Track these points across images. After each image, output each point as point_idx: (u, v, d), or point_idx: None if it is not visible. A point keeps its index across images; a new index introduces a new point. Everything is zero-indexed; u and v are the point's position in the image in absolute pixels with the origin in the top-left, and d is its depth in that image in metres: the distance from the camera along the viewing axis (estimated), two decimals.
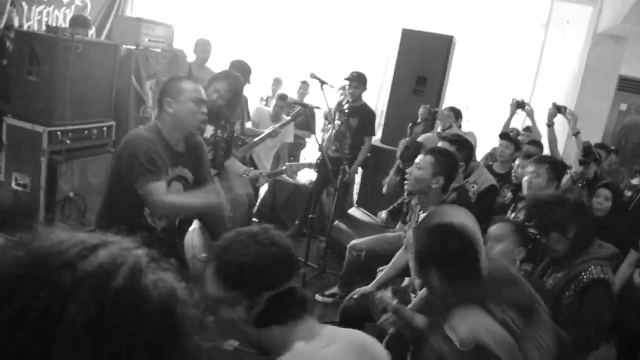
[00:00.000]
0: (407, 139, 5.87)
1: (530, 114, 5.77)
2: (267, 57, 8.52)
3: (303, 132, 6.62)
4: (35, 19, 6.15)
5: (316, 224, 6.10)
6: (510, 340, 1.83)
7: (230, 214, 3.08)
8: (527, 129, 6.23)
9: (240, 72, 4.81)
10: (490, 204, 4.40)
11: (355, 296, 3.71)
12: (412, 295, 3.16)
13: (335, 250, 5.56)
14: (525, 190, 3.72)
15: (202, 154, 3.01)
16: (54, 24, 6.22)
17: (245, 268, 1.39)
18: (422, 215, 3.21)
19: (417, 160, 3.21)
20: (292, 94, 7.22)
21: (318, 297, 4.73)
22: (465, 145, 3.94)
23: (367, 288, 3.78)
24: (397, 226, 4.73)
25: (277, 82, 7.59)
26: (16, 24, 5.28)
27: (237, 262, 1.40)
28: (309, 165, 4.79)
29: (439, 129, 5.83)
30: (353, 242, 4.65)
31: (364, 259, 4.53)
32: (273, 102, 6.44)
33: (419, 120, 6.09)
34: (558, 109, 4.99)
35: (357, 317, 3.49)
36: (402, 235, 4.02)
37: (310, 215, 4.44)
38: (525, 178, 3.74)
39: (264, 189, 6.50)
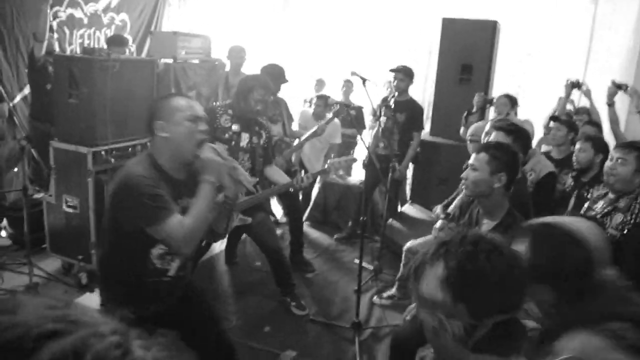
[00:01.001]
0: (463, 129, 5.68)
1: (587, 94, 5.48)
2: (308, 58, 8.45)
3: (352, 130, 6.49)
4: (77, 42, 6.26)
5: (369, 224, 5.96)
6: None
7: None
8: (579, 111, 5.86)
9: (273, 75, 4.75)
10: (550, 192, 4.17)
11: (407, 317, 3.44)
12: None
13: (391, 250, 5.44)
14: (606, 178, 3.36)
15: None
16: (96, 46, 6.32)
17: (488, 283, 1.22)
18: (487, 223, 2.91)
19: (470, 161, 2.96)
20: (337, 94, 7.12)
21: (376, 299, 4.63)
22: (521, 134, 3.68)
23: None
24: (439, 223, 4.33)
25: (320, 84, 7.50)
26: (57, 49, 5.35)
27: (481, 274, 1.23)
28: (354, 160, 4.65)
29: (490, 118, 5.61)
30: (409, 244, 4.51)
31: None
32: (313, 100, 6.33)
33: (474, 110, 5.88)
34: (618, 87, 4.71)
35: (410, 343, 3.26)
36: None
37: (361, 218, 4.27)
38: (608, 164, 3.44)
39: (315, 193, 6.42)
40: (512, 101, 5.75)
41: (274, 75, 4.75)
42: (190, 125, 2.38)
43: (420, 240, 4.52)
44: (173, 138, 2.37)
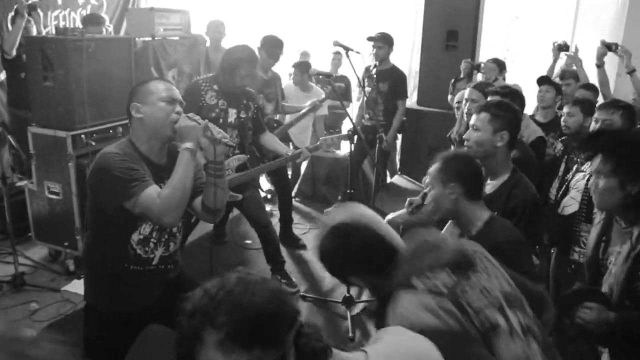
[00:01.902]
0: (450, 96, 5.58)
1: (575, 59, 5.37)
2: (292, 30, 8.26)
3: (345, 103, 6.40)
4: (52, 24, 6.09)
5: (362, 196, 5.91)
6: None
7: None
8: (564, 75, 5.70)
9: (272, 48, 4.65)
10: (541, 158, 4.10)
11: None
12: None
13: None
14: None
15: None
16: (71, 26, 6.15)
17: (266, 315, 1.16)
18: (492, 184, 2.82)
19: (471, 122, 2.89)
20: (326, 67, 6.99)
21: None
22: (516, 96, 3.61)
23: None
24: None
25: (304, 56, 7.33)
26: (34, 33, 5.19)
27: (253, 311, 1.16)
28: (345, 137, 4.55)
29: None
30: (390, 216, 4.42)
31: (401, 232, 4.33)
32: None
33: (461, 76, 5.78)
34: (608, 47, 4.61)
35: None
36: None
37: (348, 190, 4.21)
38: (594, 125, 3.39)
39: (303, 167, 6.34)
40: (500, 66, 5.66)
41: (275, 47, 4.66)
42: (165, 107, 2.35)
43: (400, 211, 4.44)
44: (148, 119, 2.34)
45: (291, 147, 5.48)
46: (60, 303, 3.99)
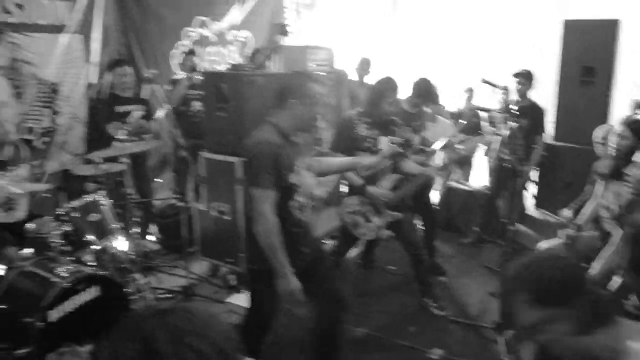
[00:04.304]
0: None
1: None
2: (423, 64, 8.52)
3: (477, 138, 6.57)
4: (206, 59, 6.68)
5: (494, 229, 6.04)
6: None
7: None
8: None
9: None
10: None
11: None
12: None
13: (517, 253, 5.45)
14: None
15: None
16: (221, 62, 6.74)
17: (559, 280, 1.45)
18: None
19: (635, 158, 3.02)
20: (457, 103, 7.22)
21: None
22: None
23: None
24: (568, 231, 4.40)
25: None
26: (198, 68, 5.75)
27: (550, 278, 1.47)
28: (477, 144, 4.75)
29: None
30: (544, 245, 4.54)
31: None
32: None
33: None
34: None
35: None
36: None
37: (476, 228, 4.39)
38: None
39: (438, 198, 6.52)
40: None
41: (424, 90, 4.92)
42: (316, 108, 2.99)
43: (552, 241, 4.55)
44: (301, 115, 2.92)
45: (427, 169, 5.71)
46: (227, 314, 4.36)
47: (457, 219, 6.33)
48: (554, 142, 6.34)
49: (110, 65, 5.38)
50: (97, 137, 5.32)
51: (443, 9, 8.78)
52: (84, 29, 5.35)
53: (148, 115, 5.36)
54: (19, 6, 4.78)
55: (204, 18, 6.62)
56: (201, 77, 5.01)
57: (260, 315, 3.09)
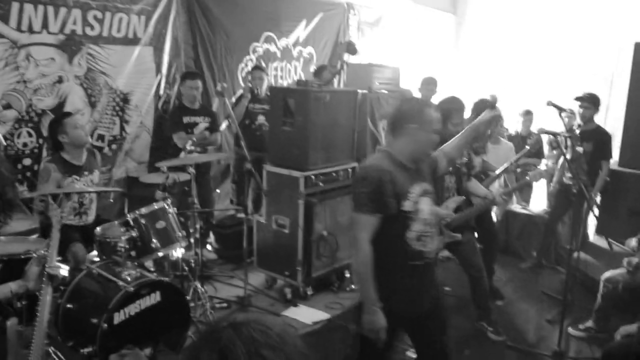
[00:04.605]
0: None
1: None
2: (483, 87, 8.45)
3: (533, 159, 6.46)
4: (272, 74, 6.79)
5: (552, 255, 5.90)
6: None
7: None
8: None
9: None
10: None
11: (618, 336, 3.47)
12: None
13: (578, 281, 5.29)
14: None
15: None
16: (286, 77, 6.85)
17: None
18: None
19: None
20: (515, 125, 7.10)
21: (571, 330, 4.54)
22: None
23: (632, 327, 3.53)
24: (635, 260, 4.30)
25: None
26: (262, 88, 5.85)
27: None
28: (535, 167, 4.66)
29: None
30: (608, 274, 4.42)
31: (621, 292, 4.30)
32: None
33: None
34: None
35: None
36: None
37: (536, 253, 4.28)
38: None
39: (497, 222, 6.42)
40: None
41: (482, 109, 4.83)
42: (435, 136, 2.79)
43: (619, 270, 4.41)
44: (420, 141, 2.75)
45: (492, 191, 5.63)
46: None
47: (516, 243, 6.22)
48: (618, 168, 6.15)
49: (182, 77, 5.53)
50: (161, 146, 5.47)
51: (507, 31, 8.71)
52: (156, 42, 5.52)
53: (213, 128, 5.47)
54: (99, 20, 4.97)
55: (270, 34, 6.74)
56: (267, 92, 5.09)
57: (373, 351, 2.84)
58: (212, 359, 1.02)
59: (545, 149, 7.16)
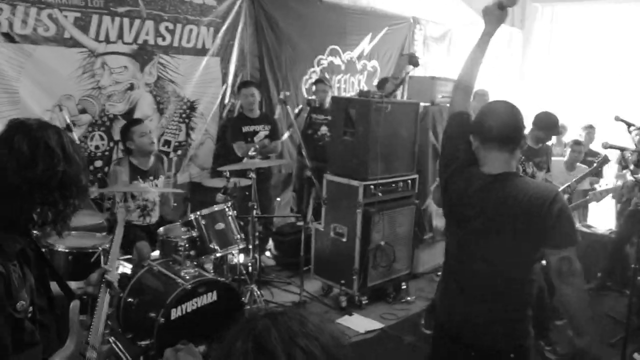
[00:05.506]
0: None
1: None
2: (548, 102, 8.26)
3: (592, 178, 6.23)
4: (335, 87, 6.86)
5: (619, 276, 5.66)
6: None
7: None
8: None
9: (545, 129, 4.69)
10: None
11: None
12: None
13: None
14: None
15: None
16: (350, 89, 6.90)
17: None
18: None
19: None
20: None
21: (636, 355, 4.32)
22: None
23: None
24: None
25: (589, 132, 7.20)
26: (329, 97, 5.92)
27: None
28: (614, 190, 4.48)
29: None
30: None
31: None
32: (567, 149, 6.15)
33: None
34: None
35: None
36: None
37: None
38: None
39: None
40: None
41: (544, 126, 4.68)
42: None
43: None
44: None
45: None
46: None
47: (581, 264, 5.96)
48: None
49: (238, 86, 5.67)
50: (224, 154, 5.61)
51: (574, 47, 8.51)
52: (223, 53, 5.68)
53: (273, 135, 5.56)
54: (170, 31, 5.18)
55: (335, 47, 6.81)
56: (331, 103, 5.15)
57: None
58: (247, 347, 1.01)
59: (614, 168, 6.90)
